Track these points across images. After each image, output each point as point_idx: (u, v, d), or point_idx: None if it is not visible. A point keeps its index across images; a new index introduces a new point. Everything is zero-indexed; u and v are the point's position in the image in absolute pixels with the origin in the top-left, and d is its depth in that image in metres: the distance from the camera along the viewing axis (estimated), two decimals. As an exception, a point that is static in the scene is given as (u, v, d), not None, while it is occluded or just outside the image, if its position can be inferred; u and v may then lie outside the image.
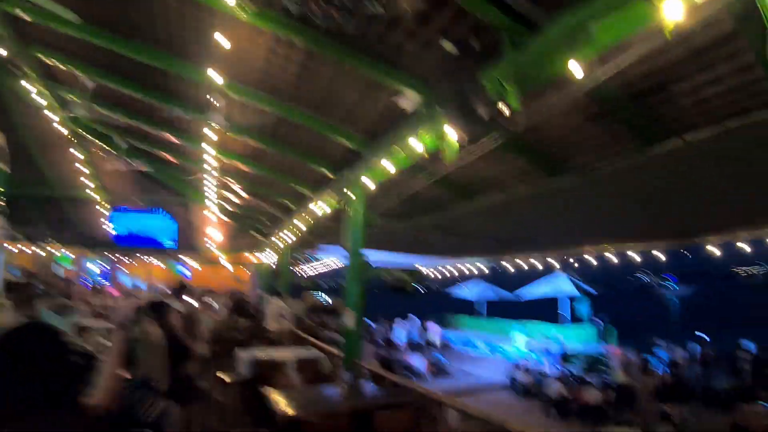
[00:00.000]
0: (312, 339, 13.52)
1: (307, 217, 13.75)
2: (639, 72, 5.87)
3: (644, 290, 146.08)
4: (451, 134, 5.98)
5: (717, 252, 14.47)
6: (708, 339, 20.77)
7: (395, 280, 11.40)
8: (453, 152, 6.18)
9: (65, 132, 16.63)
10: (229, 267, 33.02)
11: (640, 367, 16.64)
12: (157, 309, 5.95)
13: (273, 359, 9.26)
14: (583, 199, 10.04)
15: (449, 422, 6.49)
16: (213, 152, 12.49)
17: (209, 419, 6.99)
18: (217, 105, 9.41)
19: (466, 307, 32.23)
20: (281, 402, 6.16)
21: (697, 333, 21.15)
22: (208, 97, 9.43)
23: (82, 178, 20.58)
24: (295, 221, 14.56)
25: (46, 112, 14.67)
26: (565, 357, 20.26)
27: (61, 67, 11.79)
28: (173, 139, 14.07)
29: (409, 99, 6.73)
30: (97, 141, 17.57)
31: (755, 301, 78.67)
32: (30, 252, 27.42)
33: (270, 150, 12.13)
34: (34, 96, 13.33)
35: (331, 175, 11.35)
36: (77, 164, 19.36)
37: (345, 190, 10.04)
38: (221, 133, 11.53)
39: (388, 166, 8.07)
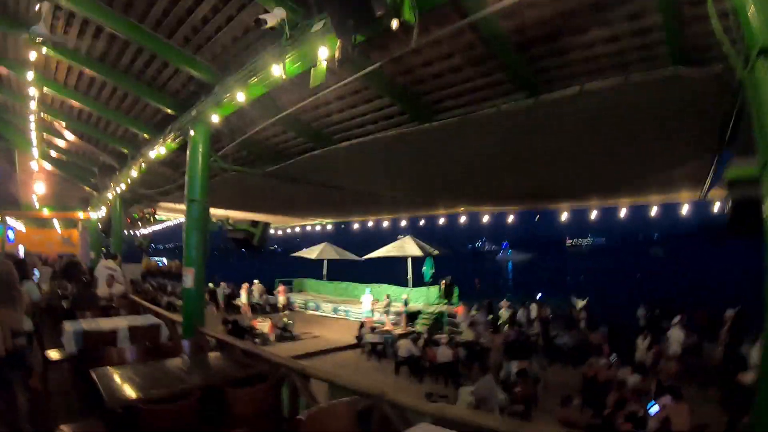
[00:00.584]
0: (149, 305, 12.05)
1: (143, 163, 12.02)
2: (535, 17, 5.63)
3: (481, 255, 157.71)
4: (322, 54, 5.33)
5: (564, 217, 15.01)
6: (542, 300, 22.03)
7: (240, 232, 10.23)
8: (320, 74, 5.36)
9: None
10: (58, 228, 30.13)
11: (485, 324, 17.35)
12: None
13: (101, 330, 7.85)
14: (447, 151, 9.47)
15: (313, 394, 5.48)
16: (32, 77, 10.37)
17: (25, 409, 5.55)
18: (43, 13, 7.49)
19: (311, 270, 31.92)
20: (113, 383, 5.02)
21: (535, 294, 22.22)
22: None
23: None
24: (132, 171, 12.71)
25: None
26: (411, 316, 20.77)
27: None
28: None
29: (275, 15, 5.57)
30: None
31: (580, 267, 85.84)
32: None
33: (106, 81, 10.30)
34: None
35: (173, 113, 9.82)
36: None
37: (188, 128, 8.58)
38: (46, 58, 9.65)
39: (240, 97, 6.82)
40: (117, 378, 5.21)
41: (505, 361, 12.58)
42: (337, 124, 9.17)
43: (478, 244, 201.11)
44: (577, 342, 15.12)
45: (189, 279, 7.98)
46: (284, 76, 5.99)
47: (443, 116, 7.88)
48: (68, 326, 7.88)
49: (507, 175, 10.91)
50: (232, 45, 7.50)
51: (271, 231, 14.43)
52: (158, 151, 10.34)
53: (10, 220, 30.63)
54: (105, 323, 8.42)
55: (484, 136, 8.35)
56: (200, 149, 8.22)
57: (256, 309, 24.05)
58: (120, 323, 8.33)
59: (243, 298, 23.69)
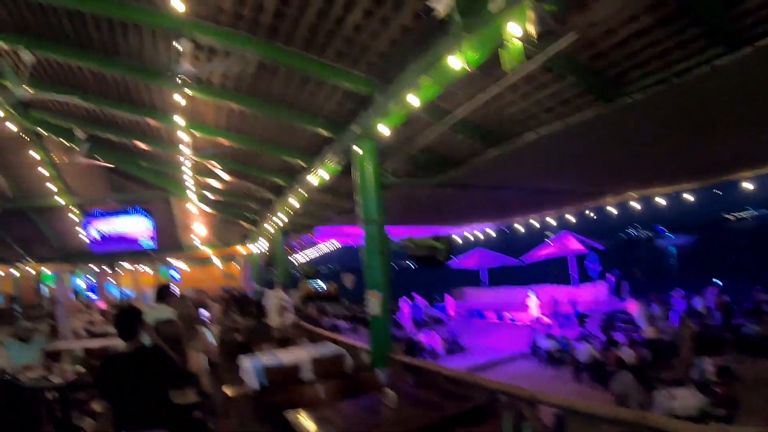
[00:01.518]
0: (325, 332, 11.84)
1: (301, 191, 11.88)
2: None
3: (639, 243, 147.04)
4: (513, 30, 4.55)
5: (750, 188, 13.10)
6: (721, 285, 19.14)
7: (423, 249, 9.69)
8: (515, 54, 4.64)
9: (19, 132, 15.01)
10: (218, 263, 31.57)
11: (661, 318, 15.57)
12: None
13: (283, 364, 7.55)
14: (631, 131, 8.31)
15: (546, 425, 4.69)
16: (183, 123, 10.54)
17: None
18: (183, 54, 7.42)
19: (469, 278, 30.98)
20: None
21: (714, 280, 19.99)
22: (173, 44, 7.50)
23: (47, 184, 18.93)
24: (290, 199, 12.64)
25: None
26: (581, 317, 18.92)
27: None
28: (135, 116, 12.28)
29: (443, 1, 4.96)
30: (53, 137, 15.66)
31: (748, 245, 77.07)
32: (16, 274, 26.18)
33: (251, 112, 10.19)
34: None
35: (329, 135, 9.49)
36: (38, 168, 17.73)
37: (352, 146, 8.15)
38: (193, 100, 9.71)
39: (413, 101, 6.21)
40: (315, 423, 4.70)
41: (695, 358, 11.02)
42: (509, 120, 8.34)
43: (629, 233, 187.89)
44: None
45: (375, 304, 7.47)
46: (468, 68, 5.31)
47: (631, 89, 6.89)
48: (246, 362, 7.66)
49: (684, 148, 9.53)
50: (391, 49, 6.94)
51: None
52: (318, 176, 10.07)
53: (174, 262, 32.60)
54: (285, 356, 8.11)
55: (679, 106, 7.24)
56: (369, 167, 7.72)
57: (419, 323, 23.43)
58: (301, 355, 7.97)
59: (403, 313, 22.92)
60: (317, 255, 27.44)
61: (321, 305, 34.21)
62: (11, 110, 13.34)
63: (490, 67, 5.34)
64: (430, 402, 5.11)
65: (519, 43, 4.54)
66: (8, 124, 14.13)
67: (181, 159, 13.76)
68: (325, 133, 9.61)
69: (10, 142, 16.37)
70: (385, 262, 7.62)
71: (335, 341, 9.65)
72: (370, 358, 8.03)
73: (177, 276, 34.38)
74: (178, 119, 10.42)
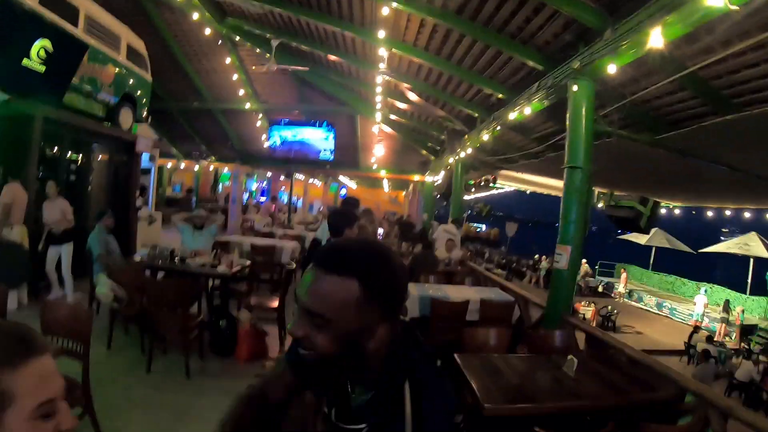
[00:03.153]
0: (492, 275, 11.49)
1: (494, 125, 11.37)
2: None
3: None
4: None
5: None
6: None
7: (625, 210, 8.87)
8: None
9: (213, 36, 15.80)
10: (386, 188, 32.02)
11: None
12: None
13: (449, 299, 7.39)
14: None
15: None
16: (383, 36, 10.37)
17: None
18: None
19: (636, 255, 29.19)
20: (484, 380, 4.28)
21: None
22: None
23: (237, 90, 19.89)
24: (482, 134, 12.17)
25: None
26: (745, 330, 17.57)
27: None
28: (333, 27, 12.12)
29: None
30: (248, 44, 16.25)
31: None
32: (194, 168, 28.30)
33: (456, 32, 9.72)
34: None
35: (540, 68, 8.84)
36: (230, 73, 18.63)
37: (565, 83, 7.49)
38: (396, 16, 9.58)
39: (655, 39, 5.43)
40: (486, 373, 4.45)
41: None
42: (746, 85, 7.23)
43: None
44: None
45: (563, 258, 6.96)
46: (730, 5, 4.51)
47: None
48: (412, 289, 7.52)
49: None
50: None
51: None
52: (520, 111, 9.49)
53: (344, 179, 33.53)
54: (452, 291, 7.95)
55: None
56: (583, 108, 7.06)
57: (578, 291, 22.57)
58: (469, 294, 7.75)
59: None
60: (483, 196, 27.04)
61: (479, 248, 34.06)
62: (209, 14, 13.93)
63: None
64: (612, 382, 4.61)
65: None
66: (205, 29, 14.92)
67: (374, 76, 13.71)
68: (534, 64, 8.96)
69: (205, 46, 17.32)
70: (584, 215, 7.04)
71: (503, 287, 9.31)
72: (539, 315, 7.66)
73: (343, 193, 35.58)
74: (380, 33, 10.25)
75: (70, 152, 10.99)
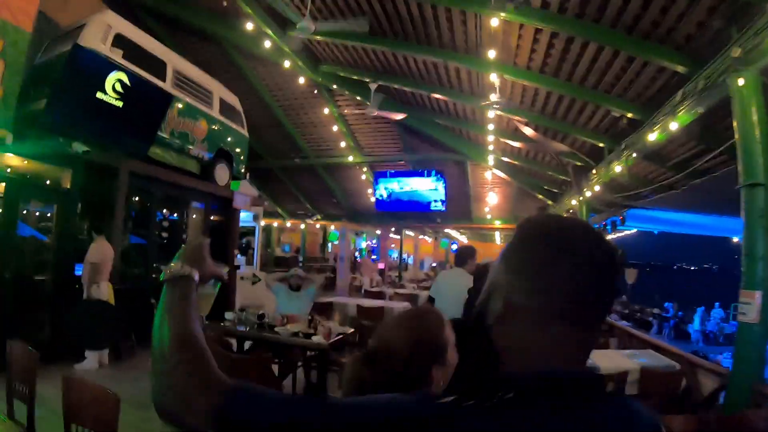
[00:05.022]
0: (643, 335, 9.81)
1: (626, 154, 9.83)
2: None
3: None
4: None
5: None
6: None
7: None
8: None
9: (308, 86, 15.68)
10: (498, 239, 30.75)
11: None
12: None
13: (599, 369, 5.64)
14: None
15: None
16: (494, 56, 9.29)
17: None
18: None
19: None
20: None
21: None
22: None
23: (339, 143, 19.69)
24: (617, 167, 10.57)
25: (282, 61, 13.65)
26: None
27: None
28: (432, 58, 11.30)
29: None
30: (346, 92, 15.73)
31: None
32: (300, 227, 28.61)
33: (578, 41, 8.42)
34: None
35: (683, 70, 7.38)
36: (329, 125, 18.53)
37: (722, 80, 6.05)
38: (506, 28, 8.42)
39: None
40: None
41: None
42: None
43: None
44: None
45: (752, 309, 5.30)
46: None
47: None
48: None
49: None
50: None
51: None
52: (662, 130, 8.00)
53: (454, 233, 32.45)
54: (600, 358, 6.27)
55: None
56: (754, 106, 5.54)
57: (710, 339, 19.99)
58: (621, 361, 6.22)
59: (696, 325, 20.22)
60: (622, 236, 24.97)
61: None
62: (301, 63, 13.65)
63: None
64: None
65: None
66: (299, 79, 14.73)
67: (483, 113, 12.64)
68: (675, 67, 7.50)
69: (301, 97, 17.12)
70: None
71: (655, 347, 7.66)
72: (715, 385, 6.01)
73: (455, 248, 34.52)
74: (490, 53, 9.21)
75: (161, 208, 10.87)
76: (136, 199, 10.13)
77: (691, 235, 16.86)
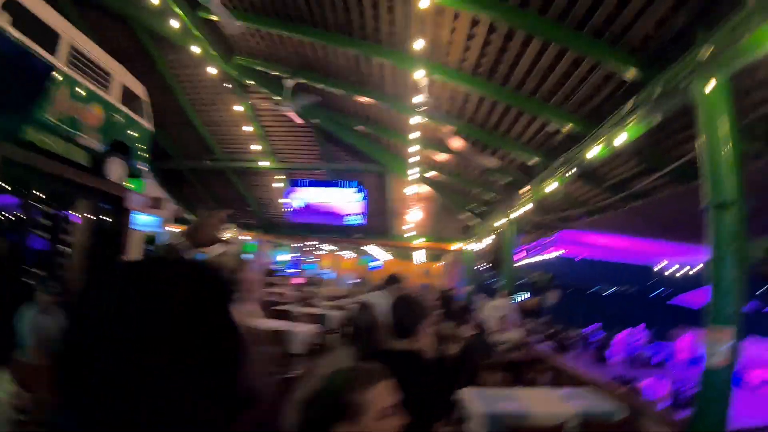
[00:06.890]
0: (577, 370, 8.88)
1: (567, 171, 9.08)
2: None
3: None
4: None
5: None
6: None
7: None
8: None
9: (221, 78, 14.60)
10: (419, 259, 30.23)
11: None
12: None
13: (530, 415, 4.83)
14: None
15: None
16: (421, 46, 8.37)
17: None
18: None
19: (686, 318, 26.38)
20: None
21: None
22: None
23: (251, 146, 18.73)
24: (553, 184, 9.85)
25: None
26: None
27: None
28: (354, 50, 10.59)
29: None
30: (258, 87, 14.90)
31: None
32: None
33: (519, 38, 7.64)
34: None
35: (637, 76, 6.61)
36: (242, 125, 17.44)
37: (682, 87, 5.30)
38: (436, 17, 7.59)
39: None
40: None
41: None
42: None
43: None
44: None
45: (719, 349, 4.45)
46: None
47: None
48: (474, 400, 5.07)
49: None
50: None
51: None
52: (606, 143, 7.21)
53: (372, 249, 31.75)
54: (531, 400, 5.34)
55: None
56: (724, 116, 4.77)
57: (634, 362, 19.91)
58: (557, 404, 5.26)
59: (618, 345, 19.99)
60: (535, 262, 24.69)
61: (522, 321, 31.55)
62: (213, 52, 12.90)
63: None
64: None
65: None
66: (210, 68, 13.62)
67: (407, 120, 11.80)
68: (627, 73, 6.73)
69: (213, 92, 16.09)
70: (742, 274, 4.60)
71: (596, 384, 6.73)
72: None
73: (377, 265, 33.83)
74: (418, 43, 8.33)
75: (41, 205, 9.55)
76: (9, 189, 8.81)
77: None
